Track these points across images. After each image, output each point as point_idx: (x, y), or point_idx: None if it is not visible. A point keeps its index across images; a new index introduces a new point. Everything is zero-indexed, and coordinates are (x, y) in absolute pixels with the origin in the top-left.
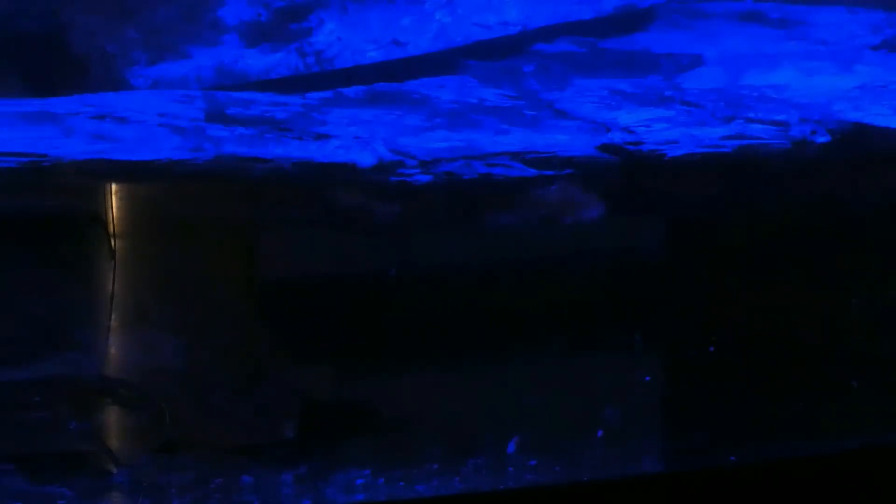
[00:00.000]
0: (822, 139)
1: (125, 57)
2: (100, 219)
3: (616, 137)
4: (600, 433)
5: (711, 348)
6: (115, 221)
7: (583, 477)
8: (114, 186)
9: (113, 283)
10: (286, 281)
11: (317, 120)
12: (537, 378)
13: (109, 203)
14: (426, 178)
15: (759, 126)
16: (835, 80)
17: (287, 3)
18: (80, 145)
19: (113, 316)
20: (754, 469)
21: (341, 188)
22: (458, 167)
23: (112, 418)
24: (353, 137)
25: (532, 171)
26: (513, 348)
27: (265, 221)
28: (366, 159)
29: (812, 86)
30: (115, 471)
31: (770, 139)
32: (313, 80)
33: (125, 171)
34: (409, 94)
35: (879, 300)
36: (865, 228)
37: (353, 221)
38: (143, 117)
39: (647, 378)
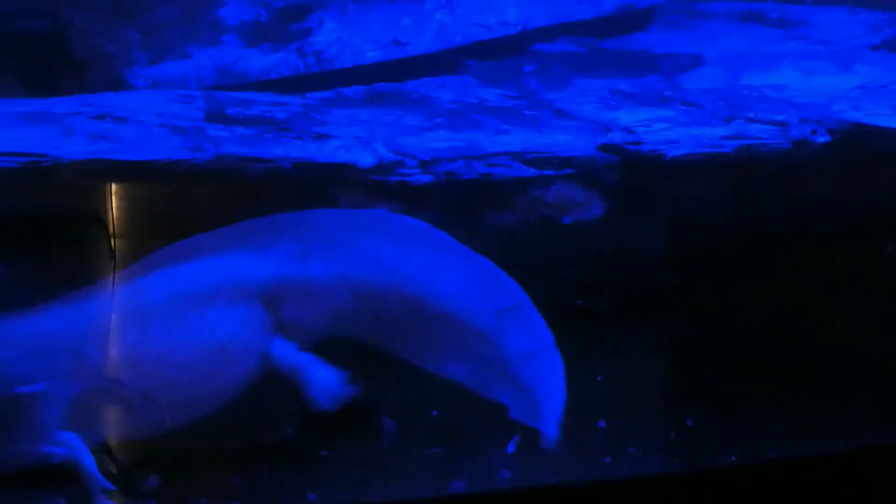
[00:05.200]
0: (822, 139)
1: (125, 57)
2: (100, 219)
3: (616, 137)
4: (600, 432)
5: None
6: (115, 221)
7: (583, 477)
8: (114, 186)
9: (113, 283)
10: None
11: (317, 120)
12: None
13: (109, 203)
14: (426, 178)
15: (759, 126)
16: (835, 80)
17: (287, 3)
18: (80, 145)
19: (113, 315)
20: (754, 469)
21: (341, 188)
22: (458, 167)
23: (112, 418)
24: (353, 137)
25: (532, 171)
26: None
27: None
28: (366, 159)
29: (812, 86)
30: (114, 472)
31: (770, 139)
32: (313, 80)
33: (125, 171)
34: (409, 94)
35: (879, 300)
36: (865, 228)
37: None
38: (143, 117)
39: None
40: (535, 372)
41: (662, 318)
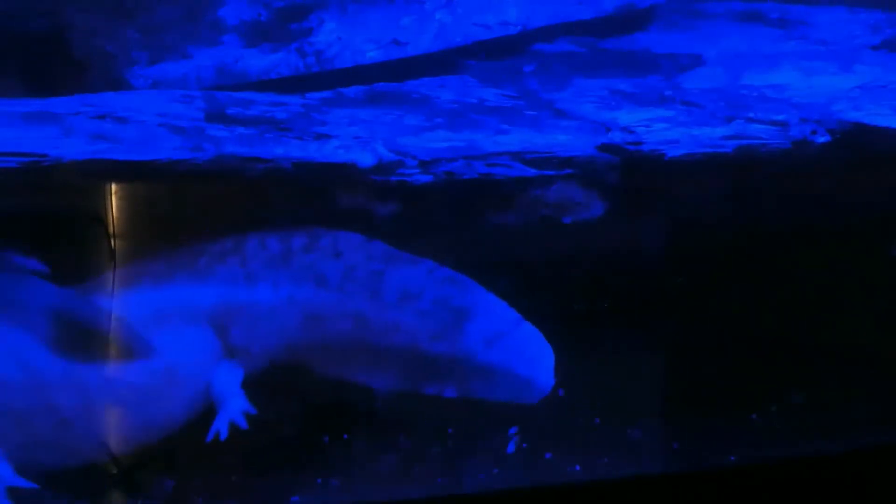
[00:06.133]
0: (822, 139)
1: (125, 57)
2: (100, 219)
3: (616, 137)
4: (600, 433)
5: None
6: (115, 221)
7: (583, 477)
8: (114, 186)
9: (113, 283)
10: None
11: (317, 120)
12: None
13: (109, 203)
14: (426, 178)
15: (759, 126)
16: (835, 80)
17: (287, 3)
18: (80, 145)
19: (113, 315)
20: (754, 469)
21: (341, 188)
22: (458, 167)
23: (112, 417)
24: (353, 137)
25: (532, 171)
26: None
27: (265, 221)
28: (366, 159)
29: (812, 86)
30: (115, 471)
31: (770, 139)
32: (313, 80)
33: (125, 171)
34: (409, 94)
35: (879, 300)
36: (865, 228)
37: (353, 221)
38: (143, 117)
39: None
40: (508, 349)
41: (662, 318)
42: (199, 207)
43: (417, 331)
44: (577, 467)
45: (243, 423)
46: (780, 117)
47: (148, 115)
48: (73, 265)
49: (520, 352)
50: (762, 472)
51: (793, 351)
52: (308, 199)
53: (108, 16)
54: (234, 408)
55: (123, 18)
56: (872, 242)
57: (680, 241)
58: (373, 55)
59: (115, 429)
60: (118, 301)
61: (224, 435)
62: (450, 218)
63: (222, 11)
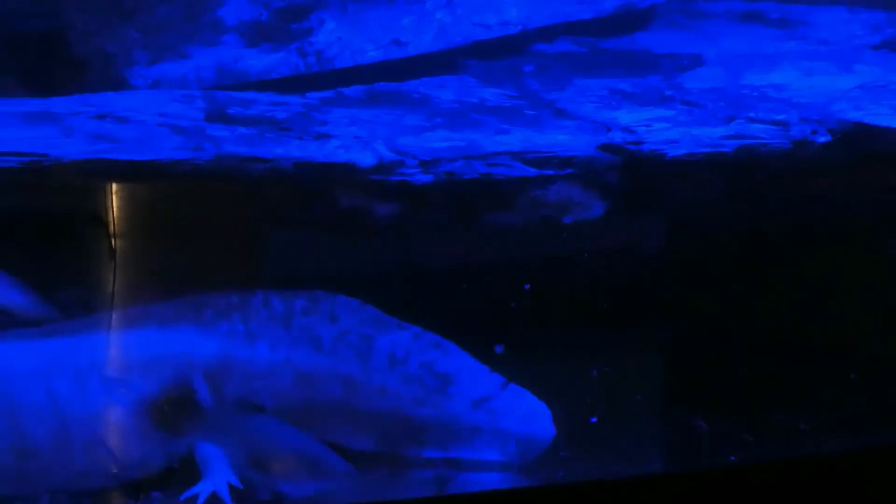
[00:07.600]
0: (822, 139)
1: (125, 57)
2: (100, 219)
3: (616, 137)
4: (600, 432)
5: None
6: (115, 221)
7: (583, 477)
8: (114, 186)
9: (113, 283)
10: (287, 281)
11: (317, 120)
12: (537, 377)
13: (109, 203)
14: (426, 178)
15: (759, 126)
16: (835, 80)
17: (287, 3)
18: (80, 145)
19: (113, 315)
20: (754, 469)
21: (341, 188)
22: (458, 167)
23: (112, 417)
24: (353, 137)
25: (532, 171)
26: (512, 348)
27: (265, 221)
28: (366, 159)
29: (812, 86)
30: (115, 471)
31: (770, 139)
32: (313, 80)
33: (125, 171)
34: (409, 94)
35: (879, 300)
36: (865, 228)
37: (353, 221)
38: (143, 117)
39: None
40: (496, 410)
41: (662, 318)
42: (199, 207)
43: (402, 395)
44: (578, 467)
45: (227, 498)
46: (781, 117)
47: (148, 115)
48: (73, 265)
49: (510, 411)
50: (762, 472)
51: (793, 351)
52: (308, 199)
53: (108, 16)
54: (220, 479)
55: (123, 18)
56: (872, 242)
57: (680, 241)
58: (373, 55)
59: (87, 463)
60: (117, 339)
61: (201, 502)
62: (450, 218)
63: (222, 11)
